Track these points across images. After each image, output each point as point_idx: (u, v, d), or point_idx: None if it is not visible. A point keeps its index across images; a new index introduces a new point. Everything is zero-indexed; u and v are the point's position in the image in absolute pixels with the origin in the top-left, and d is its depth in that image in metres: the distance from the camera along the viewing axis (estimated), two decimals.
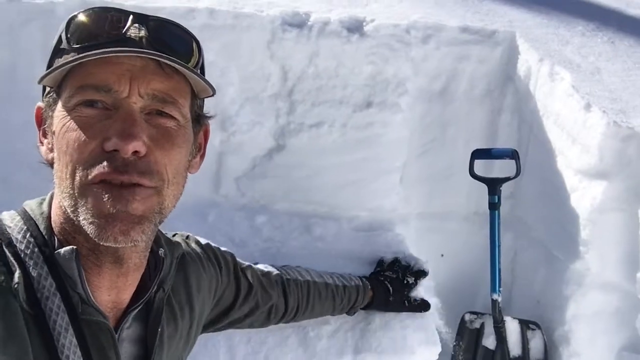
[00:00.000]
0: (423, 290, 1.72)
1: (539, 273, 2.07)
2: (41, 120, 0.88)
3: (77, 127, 0.79)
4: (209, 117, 0.97)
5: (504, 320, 1.95)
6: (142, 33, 0.82)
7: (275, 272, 1.40)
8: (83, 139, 0.78)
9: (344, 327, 1.63)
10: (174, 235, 1.16)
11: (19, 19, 1.74)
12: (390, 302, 1.63)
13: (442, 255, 2.27)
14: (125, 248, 0.84)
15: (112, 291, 0.88)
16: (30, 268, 0.80)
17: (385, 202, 2.04)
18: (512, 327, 1.97)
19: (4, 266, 0.79)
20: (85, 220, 0.78)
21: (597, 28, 2.63)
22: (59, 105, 0.82)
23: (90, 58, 0.77)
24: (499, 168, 2.03)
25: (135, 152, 0.78)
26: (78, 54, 0.79)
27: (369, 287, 1.60)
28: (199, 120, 0.93)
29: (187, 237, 1.20)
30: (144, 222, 0.81)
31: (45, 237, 0.84)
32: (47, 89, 0.86)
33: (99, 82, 0.79)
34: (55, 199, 0.86)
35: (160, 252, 0.96)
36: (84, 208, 0.78)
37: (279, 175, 1.97)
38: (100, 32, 0.81)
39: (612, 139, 1.75)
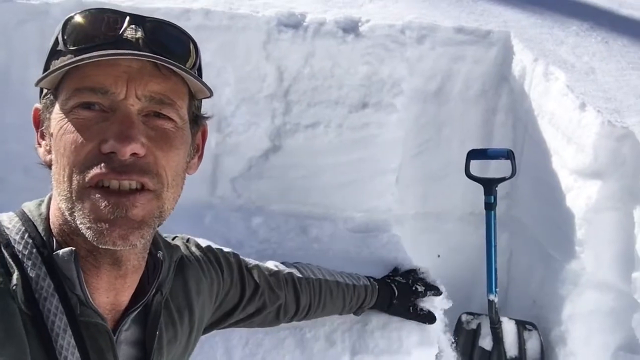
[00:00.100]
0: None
1: (535, 273, 2.07)
2: (39, 122, 0.88)
3: (74, 129, 0.78)
4: (207, 118, 0.97)
5: (501, 321, 1.95)
6: (139, 34, 0.82)
7: (286, 270, 1.39)
8: (80, 141, 0.78)
9: (341, 328, 1.62)
10: (174, 238, 1.15)
11: (13, 20, 1.74)
12: (394, 305, 1.62)
13: (439, 256, 2.27)
14: (124, 250, 0.84)
15: (110, 293, 0.87)
16: (29, 269, 0.79)
17: (381, 202, 2.04)
18: (508, 328, 1.97)
19: (2, 267, 0.78)
20: (82, 224, 0.78)
21: (591, 28, 2.64)
22: (56, 107, 0.82)
23: (86, 60, 0.77)
24: (495, 168, 2.04)
25: (134, 154, 0.78)
26: (75, 56, 0.78)
27: (377, 287, 1.60)
28: (197, 121, 0.93)
29: (188, 240, 1.19)
30: (144, 227, 0.80)
31: (44, 238, 0.83)
32: (45, 90, 0.85)
33: (96, 84, 0.78)
34: (53, 201, 0.86)
35: (159, 254, 0.96)
36: (81, 212, 0.78)
37: (275, 176, 1.97)
38: (97, 33, 0.80)
39: (606, 138, 1.75)
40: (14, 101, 1.73)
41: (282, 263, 1.43)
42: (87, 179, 0.77)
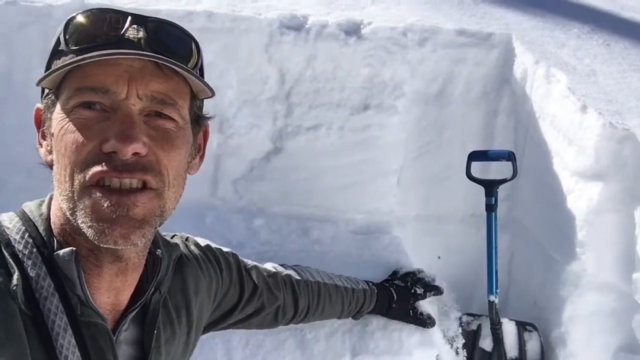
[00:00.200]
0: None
1: (536, 274, 2.07)
2: (40, 122, 0.88)
3: (75, 129, 0.78)
4: (208, 118, 0.97)
5: (501, 322, 1.95)
6: (141, 34, 0.82)
7: (285, 272, 1.39)
8: (81, 140, 0.78)
9: (342, 329, 1.63)
10: (172, 237, 1.15)
11: (16, 22, 1.75)
12: (393, 308, 1.62)
13: (439, 257, 2.27)
14: (125, 249, 0.84)
15: (111, 292, 0.87)
16: (29, 269, 0.79)
17: (383, 204, 2.04)
18: (509, 329, 1.97)
19: (2, 267, 0.78)
20: (84, 223, 0.78)
21: (592, 31, 2.65)
22: (58, 107, 0.82)
23: (88, 60, 0.77)
24: (496, 170, 2.04)
25: (136, 154, 0.78)
26: (76, 56, 0.78)
27: (375, 291, 1.60)
28: (199, 121, 0.93)
29: (187, 238, 1.19)
30: (145, 226, 0.80)
31: (44, 238, 0.83)
32: (46, 90, 0.86)
33: (97, 83, 0.78)
34: (54, 201, 0.86)
35: (157, 253, 0.96)
36: (83, 212, 0.78)
37: (276, 177, 1.97)
38: (99, 33, 0.80)
39: (608, 140, 1.76)
40: (16, 103, 1.73)
41: (281, 265, 1.43)
42: (88, 177, 0.77)
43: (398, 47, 2.02)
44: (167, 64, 0.80)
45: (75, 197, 0.78)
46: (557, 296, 1.91)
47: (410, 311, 1.64)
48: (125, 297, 0.90)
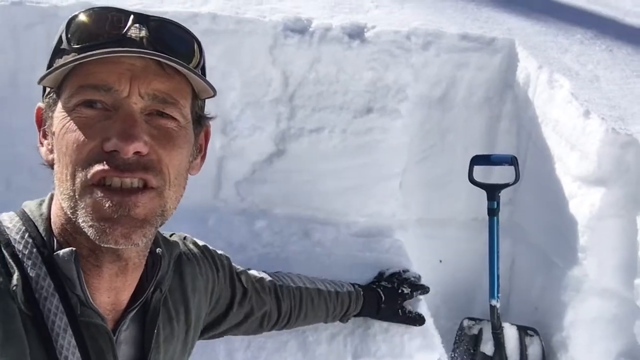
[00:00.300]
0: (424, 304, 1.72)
1: (537, 279, 2.07)
2: (41, 121, 0.88)
3: (76, 127, 0.78)
4: (210, 118, 0.96)
5: (502, 326, 1.95)
6: (143, 33, 0.81)
7: (268, 278, 1.38)
8: (82, 139, 0.77)
9: (343, 332, 1.63)
10: (171, 235, 1.14)
11: (22, 23, 1.75)
12: (382, 309, 1.62)
13: (441, 261, 2.28)
14: (126, 248, 0.83)
15: (111, 292, 0.87)
16: (29, 269, 0.79)
17: (384, 207, 2.05)
18: (510, 333, 1.97)
19: (2, 267, 0.78)
20: (85, 223, 0.78)
21: (595, 36, 2.65)
22: (59, 105, 0.81)
23: (90, 58, 0.76)
24: (498, 174, 2.04)
25: (137, 153, 0.77)
26: (78, 54, 0.78)
27: (361, 293, 1.59)
28: (200, 121, 0.92)
29: (185, 237, 1.18)
30: (146, 225, 0.80)
31: (44, 238, 0.83)
32: (47, 89, 0.85)
33: (99, 81, 0.78)
34: (55, 200, 0.86)
35: (158, 251, 0.95)
36: (84, 211, 0.77)
37: (278, 180, 1.98)
38: (101, 32, 0.80)
39: (610, 145, 1.76)
40: (22, 104, 1.74)
41: (263, 271, 1.42)
42: (89, 176, 0.77)
43: (401, 50, 2.03)
44: (170, 63, 0.80)
45: (77, 196, 0.78)
46: (558, 301, 1.91)
47: (399, 310, 1.64)
48: (125, 297, 0.90)
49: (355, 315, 1.60)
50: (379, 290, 1.64)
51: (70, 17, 0.82)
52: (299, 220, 1.96)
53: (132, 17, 0.82)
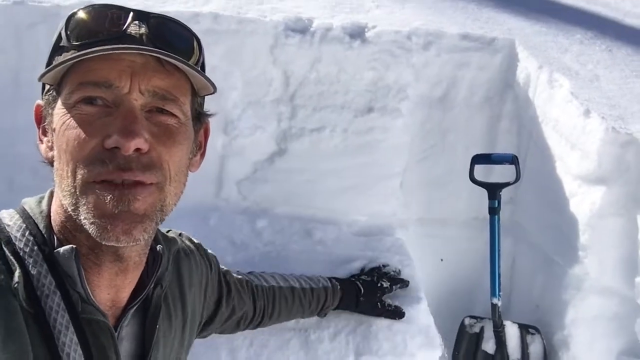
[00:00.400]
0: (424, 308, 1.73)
1: (538, 278, 2.08)
2: (40, 118, 0.88)
3: (76, 124, 0.78)
4: (210, 115, 0.96)
5: (504, 325, 1.96)
6: (143, 30, 0.81)
7: (245, 278, 1.39)
8: (83, 136, 0.78)
9: (345, 330, 1.63)
10: (167, 232, 1.15)
11: (25, 22, 1.76)
12: (361, 302, 1.62)
13: (442, 260, 2.28)
14: (126, 247, 0.84)
15: (111, 290, 0.87)
16: (30, 266, 0.79)
17: (385, 207, 2.05)
18: (511, 332, 1.97)
19: (4, 265, 0.78)
20: (86, 219, 0.78)
21: (595, 36, 2.66)
22: (59, 102, 0.81)
23: (91, 55, 0.77)
24: (499, 173, 2.05)
25: (138, 150, 0.78)
26: (78, 51, 0.78)
27: (339, 287, 1.59)
28: (200, 118, 0.93)
29: (180, 234, 1.19)
30: (146, 220, 0.80)
31: (45, 235, 0.83)
32: (47, 86, 0.85)
33: (100, 78, 0.78)
34: (55, 197, 0.86)
35: (158, 248, 0.96)
36: (85, 207, 0.78)
37: (280, 179, 1.98)
38: (101, 29, 0.80)
39: (610, 144, 1.76)
40: (24, 103, 1.73)
41: (237, 272, 1.42)
42: (91, 176, 0.77)
43: (402, 50, 2.03)
44: (170, 60, 0.80)
45: (78, 193, 0.78)
46: (559, 299, 1.92)
47: (378, 304, 1.65)
48: (125, 294, 0.90)
49: (334, 309, 1.61)
50: (358, 283, 1.65)
51: (69, 14, 0.82)
52: (300, 219, 1.96)
53: (131, 14, 0.82)
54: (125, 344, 0.91)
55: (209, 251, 1.27)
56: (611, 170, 1.78)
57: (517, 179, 1.89)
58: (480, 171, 1.99)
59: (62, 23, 0.83)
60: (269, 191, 1.98)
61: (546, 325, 1.97)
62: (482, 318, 2.06)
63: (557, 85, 2.01)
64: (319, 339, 1.60)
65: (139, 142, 0.77)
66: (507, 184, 1.92)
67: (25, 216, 0.85)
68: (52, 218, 0.86)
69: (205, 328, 1.27)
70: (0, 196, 1.71)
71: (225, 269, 1.33)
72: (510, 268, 2.23)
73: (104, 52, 0.77)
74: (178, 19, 0.88)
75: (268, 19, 1.95)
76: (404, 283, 1.74)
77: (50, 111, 0.83)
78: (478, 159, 1.98)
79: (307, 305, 1.51)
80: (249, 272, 1.45)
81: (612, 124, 1.80)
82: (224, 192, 1.97)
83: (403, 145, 2.06)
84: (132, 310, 0.91)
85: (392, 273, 1.75)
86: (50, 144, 0.84)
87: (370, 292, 1.65)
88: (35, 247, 0.81)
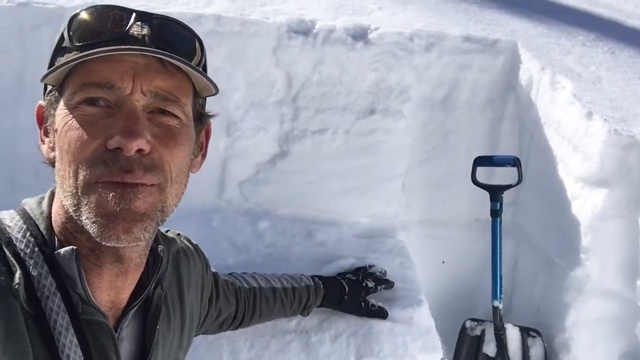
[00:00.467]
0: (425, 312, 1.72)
1: (540, 280, 2.07)
2: (42, 119, 0.88)
3: (79, 125, 0.78)
4: (211, 116, 0.97)
5: (505, 327, 1.96)
6: (145, 31, 0.82)
7: (230, 280, 1.39)
8: (85, 137, 0.78)
9: (347, 332, 1.64)
10: (166, 232, 1.15)
11: (29, 24, 1.76)
12: (345, 300, 1.62)
13: (443, 262, 2.28)
14: (126, 248, 0.84)
15: (111, 291, 0.88)
16: (31, 267, 0.79)
17: (387, 208, 2.05)
18: (512, 334, 1.97)
19: (4, 266, 0.78)
20: (88, 219, 0.78)
21: (597, 38, 2.65)
22: (61, 103, 0.82)
23: (94, 56, 0.77)
24: (501, 175, 2.04)
25: (139, 150, 0.78)
26: (80, 52, 0.78)
27: (321, 286, 1.59)
28: (201, 119, 0.93)
29: (178, 234, 1.19)
30: (146, 219, 0.80)
31: (45, 236, 0.83)
32: (49, 87, 0.85)
33: (102, 79, 0.78)
34: (56, 198, 0.86)
35: (159, 249, 0.96)
36: (87, 207, 0.78)
37: (282, 180, 1.98)
38: (103, 30, 0.80)
39: (613, 147, 1.76)
40: (27, 104, 1.74)
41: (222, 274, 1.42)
42: (93, 176, 0.77)
43: (405, 52, 2.03)
44: (172, 61, 0.80)
45: (80, 193, 0.78)
46: (560, 302, 1.92)
47: (362, 304, 1.65)
48: (125, 296, 0.90)
49: (318, 307, 1.61)
50: (343, 282, 1.64)
51: (72, 15, 0.83)
52: (302, 220, 1.97)
53: (134, 15, 0.82)
54: (126, 345, 0.91)
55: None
56: (613, 172, 1.78)
57: (519, 181, 1.89)
58: (482, 173, 1.99)
59: (64, 24, 0.83)
60: (271, 193, 1.98)
61: (547, 328, 1.97)
62: (483, 321, 2.06)
63: (560, 87, 2.01)
64: (320, 341, 1.60)
65: (141, 143, 0.77)
66: (509, 186, 1.92)
67: (26, 217, 0.85)
68: (52, 219, 0.86)
69: (206, 321, 1.27)
70: (2, 196, 1.71)
71: (214, 270, 1.33)
72: (511, 270, 2.23)
73: (107, 53, 0.77)
74: (181, 20, 0.88)
75: (271, 20, 1.96)
76: (389, 284, 1.75)
77: (52, 112, 0.84)
78: (480, 161, 1.98)
79: (289, 305, 1.50)
80: (229, 274, 1.45)
81: (615, 126, 1.80)
82: (226, 194, 1.98)
83: (405, 147, 2.06)
84: (132, 311, 0.91)
85: (377, 273, 1.75)
86: (52, 144, 0.84)
87: (354, 291, 1.64)
88: (36, 249, 0.81)
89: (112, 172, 0.77)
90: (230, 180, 1.97)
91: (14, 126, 1.77)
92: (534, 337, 1.96)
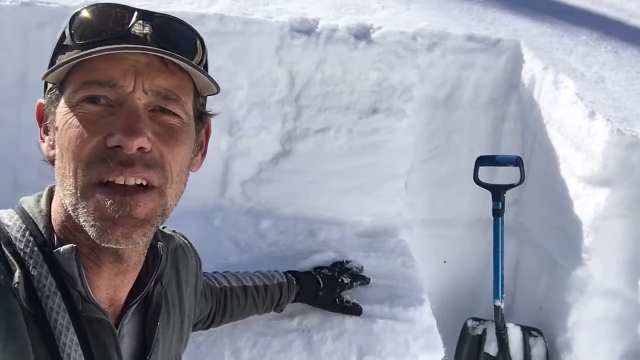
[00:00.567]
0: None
1: (542, 280, 2.08)
2: (42, 117, 0.87)
3: (79, 123, 0.78)
4: (211, 115, 0.96)
5: (506, 327, 1.96)
6: (147, 30, 0.81)
7: (204, 280, 1.38)
8: (86, 135, 0.77)
9: (348, 331, 1.64)
10: (163, 228, 1.14)
11: (32, 23, 1.77)
12: (320, 296, 1.61)
13: (445, 262, 2.28)
14: (126, 248, 0.83)
15: (110, 289, 0.88)
16: (30, 267, 0.79)
17: (390, 207, 2.05)
18: (514, 334, 1.98)
19: (3, 265, 0.78)
20: (86, 222, 0.77)
21: (600, 38, 2.65)
22: (62, 101, 0.81)
23: (96, 54, 0.76)
24: (503, 175, 2.04)
25: (140, 149, 0.78)
26: (82, 51, 0.78)
27: (294, 282, 1.58)
28: (202, 118, 0.93)
29: (174, 230, 1.19)
30: (146, 225, 0.80)
31: (45, 235, 0.83)
32: (49, 85, 0.85)
33: (104, 77, 0.78)
34: (56, 196, 0.85)
35: (158, 246, 0.96)
36: (85, 210, 0.78)
37: (284, 180, 1.98)
38: (105, 28, 0.80)
39: (615, 146, 1.76)
40: (30, 103, 1.74)
41: None
42: (93, 175, 0.77)
43: (407, 51, 2.03)
44: (175, 60, 0.80)
45: (79, 194, 0.78)
46: (562, 302, 1.92)
47: (337, 299, 1.64)
48: (123, 294, 0.90)
49: (293, 302, 1.60)
50: (319, 277, 1.63)
51: (73, 13, 0.82)
52: (304, 220, 1.97)
53: (136, 13, 0.82)
54: (126, 342, 0.91)
55: None
56: (616, 172, 1.78)
57: (522, 180, 1.90)
58: (485, 172, 1.99)
59: (66, 22, 0.83)
60: (273, 192, 1.98)
61: (549, 328, 1.98)
62: (484, 320, 2.07)
63: (562, 87, 2.00)
64: (322, 339, 1.60)
65: (142, 141, 0.77)
66: (511, 186, 1.92)
67: (25, 216, 0.85)
68: (52, 217, 0.85)
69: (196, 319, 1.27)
70: (5, 195, 1.71)
71: None
72: (513, 269, 2.23)
73: (109, 52, 0.77)
74: (184, 19, 0.88)
75: (274, 20, 1.96)
76: (365, 280, 1.74)
77: (52, 110, 0.83)
78: (482, 161, 1.98)
79: (261, 303, 1.49)
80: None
81: (618, 126, 1.80)
82: (228, 193, 1.98)
83: (408, 146, 2.06)
84: (132, 308, 0.91)
85: (354, 269, 1.75)
86: (51, 142, 0.84)
87: (329, 287, 1.64)
88: (36, 248, 0.81)
89: (110, 168, 0.77)
90: (233, 179, 1.98)
91: (17, 125, 1.78)
92: (535, 336, 1.97)
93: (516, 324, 1.99)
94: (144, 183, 0.79)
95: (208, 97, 0.96)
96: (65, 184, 0.80)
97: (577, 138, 1.89)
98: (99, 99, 0.79)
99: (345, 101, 1.99)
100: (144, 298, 0.93)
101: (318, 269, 1.70)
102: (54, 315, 0.78)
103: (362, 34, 2.01)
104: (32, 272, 0.79)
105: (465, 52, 2.14)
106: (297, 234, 1.92)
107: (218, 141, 1.91)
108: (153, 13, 0.84)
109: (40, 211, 0.86)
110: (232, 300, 1.43)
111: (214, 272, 1.48)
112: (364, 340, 1.62)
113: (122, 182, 0.77)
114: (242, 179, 1.98)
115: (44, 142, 0.87)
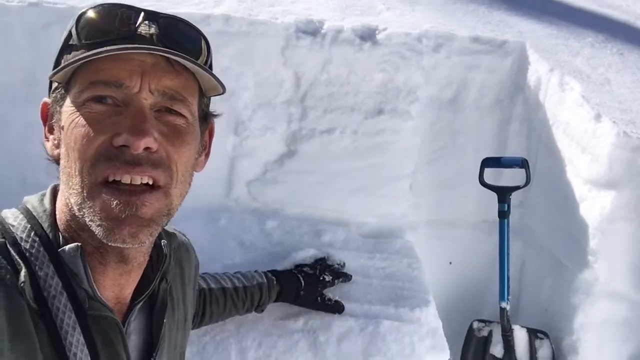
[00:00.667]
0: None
1: (547, 282, 2.07)
2: (47, 116, 0.88)
3: (85, 122, 0.79)
4: (215, 116, 0.97)
5: (512, 329, 1.95)
6: (153, 30, 0.82)
7: None
8: (92, 134, 0.78)
9: (354, 332, 1.63)
10: None
11: (40, 23, 1.78)
12: (301, 295, 1.60)
13: (450, 263, 2.28)
14: (131, 248, 0.84)
15: (115, 288, 0.88)
16: (37, 267, 0.79)
17: (395, 208, 2.05)
18: (520, 336, 1.97)
19: (10, 265, 0.78)
20: (92, 222, 0.78)
21: (606, 40, 2.65)
22: (68, 100, 0.82)
23: (104, 54, 0.77)
24: (509, 177, 2.04)
25: (147, 149, 0.78)
26: (88, 50, 0.79)
27: (274, 282, 1.56)
28: (206, 118, 0.94)
29: (174, 229, 1.19)
30: (152, 225, 0.81)
31: (50, 235, 0.83)
32: (55, 84, 0.85)
33: (110, 77, 0.79)
34: (60, 195, 0.85)
35: (162, 244, 0.96)
36: (91, 210, 0.78)
37: (289, 180, 1.99)
38: (111, 28, 0.81)
39: (622, 149, 1.76)
40: (38, 103, 1.76)
41: None
42: (99, 174, 0.78)
43: (412, 52, 2.03)
44: (181, 60, 0.80)
45: (85, 194, 0.78)
46: (568, 304, 1.91)
47: (318, 298, 1.63)
48: (128, 292, 0.91)
49: (275, 302, 1.59)
50: (300, 276, 1.62)
51: (79, 13, 0.83)
52: (309, 220, 1.97)
53: (142, 14, 0.82)
54: (133, 339, 0.92)
55: None
56: (622, 174, 1.77)
57: (527, 182, 1.89)
58: (490, 174, 1.99)
59: (72, 21, 0.83)
60: (278, 192, 1.99)
61: (555, 330, 1.97)
62: (490, 322, 2.06)
63: (568, 89, 2.00)
64: (328, 340, 1.60)
65: (149, 141, 0.78)
66: (517, 188, 1.91)
67: (30, 216, 0.85)
68: (57, 216, 0.86)
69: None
70: (13, 195, 1.72)
71: None
72: (519, 271, 2.22)
73: (116, 52, 0.77)
74: (189, 20, 0.88)
75: (279, 20, 1.96)
76: (347, 277, 1.73)
77: (58, 109, 0.84)
78: (488, 163, 1.98)
79: (241, 304, 1.48)
80: None
81: (624, 128, 1.79)
82: (233, 193, 1.99)
83: (413, 147, 2.07)
84: (138, 306, 0.91)
85: (336, 265, 1.74)
86: (56, 141, 0.85)
87: (311, 285, 1.63)
88: (41, 249, 0.81)
89: (116, 166, 0.77)
90: (238, 179, 1.98)
91: (24, 125, 1.79)
92: (541, 338, 1.96)
93: (522, 326, 1.99)
94: (150, 182, 0.80)
95: (214, 98, 0.96)
96: (71, 183, 0.80)
97: (583, 140, 1.88)
98: (106, 99, 0.79)
99: (350, 102, 1.99)
100: (150, 295, 0.94)
101: (299, 267, 1.69)
102: (60, 315, 0.79)
103: (368, 35, 2.01)
104: (39, 273, 0.79)
105: (471, 53, 2.14)
106: (302, 235, 1.92)
107: (224, 141, 1.91)
108: (159, 13, 0.84)
109: (45, 210, 0.86)
110: (211, 302, 1.41)
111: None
112: (370, 341, 1.62)
113: (129, 181, 0.78)
114: (248, 179, 1.98)
115: (48, 140, 0.88)
